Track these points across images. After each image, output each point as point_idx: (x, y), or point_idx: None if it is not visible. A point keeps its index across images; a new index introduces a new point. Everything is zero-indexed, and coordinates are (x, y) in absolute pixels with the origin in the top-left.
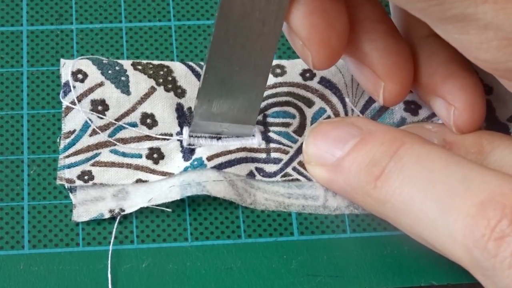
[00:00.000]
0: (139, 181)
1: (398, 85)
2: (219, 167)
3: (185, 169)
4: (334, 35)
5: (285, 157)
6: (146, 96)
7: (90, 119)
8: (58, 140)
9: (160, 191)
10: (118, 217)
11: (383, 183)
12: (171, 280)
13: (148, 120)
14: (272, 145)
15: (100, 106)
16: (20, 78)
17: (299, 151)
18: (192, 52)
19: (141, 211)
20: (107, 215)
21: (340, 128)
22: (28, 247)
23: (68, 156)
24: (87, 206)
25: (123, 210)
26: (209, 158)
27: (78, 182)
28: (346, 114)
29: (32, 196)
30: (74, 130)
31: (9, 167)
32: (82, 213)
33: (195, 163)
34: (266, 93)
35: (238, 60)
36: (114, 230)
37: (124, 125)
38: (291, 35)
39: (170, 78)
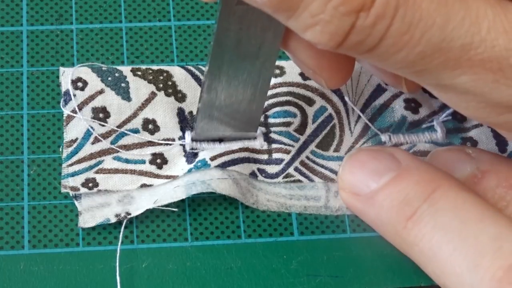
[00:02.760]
0: (143, 186)
1: None
2: (223, 166)
3: (189, 171)
4: (343, 57)
5: (287, 157)
6: (147, 101)
7: (91, 127)
8: (60, 149)
9: (165, 192)
10: (124, 221)
11: (414, 225)
12: (171, 280)
13: (150, 126)
14: (273, 145)
15: (101, 114)
16: (20, 78)
17: (300, 150)
18: (192, 52)
19: None
20: (113, 220)
21: (378, 159)
22: (28, 247)
23: (71, 165)
24: (93, 213)
25: (129, 214)
26: (212, 158)
27: (83, 190)
28: (347, 112)
29: (32, 196)
30: (76, 139)
31: (9, 167)
32: (88, 219)
33: (199, 164)
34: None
35: (236, 79)
36: (121, 234)
37: (126, 131)
38: (299, 64)
39: (170, 83)
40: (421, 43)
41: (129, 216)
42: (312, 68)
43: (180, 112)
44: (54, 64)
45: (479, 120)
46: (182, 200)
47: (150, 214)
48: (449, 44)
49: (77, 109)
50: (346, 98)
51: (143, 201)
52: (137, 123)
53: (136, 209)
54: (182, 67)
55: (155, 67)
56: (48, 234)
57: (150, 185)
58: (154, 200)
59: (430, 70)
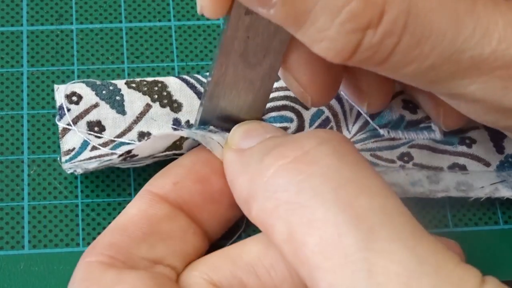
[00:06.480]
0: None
1: (381, 97)
2: None
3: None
4: (333, 78)
5: None
6: (142, 114)
7: (88, 138)
8: (58, 159)
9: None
10: (126, 151)
11: None
12: None
13: (146, 139)
14: None
15: (97, 127)
16: (20, 78)
17: None
18: (192, 52)
19: None
20: (117, 161)
21: None
22: (28, 247)
23: (72, 163)
24: (92, 164)
25: (130, 151)
26: None
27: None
28: (344, 114)
29: (32, 196)
30: (74, 148)
31: (9, 167)
32: (87, 166)
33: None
34: None
35: (238, 86)
36: None
37: (124, 140)
38: (289, 80)
39: (165, 93)
40: (431, 56)
41: (130, 154)
42: (303, 86)
43: (176, 123)
44: (54, 64)
45: (487, 124)
46: None
47: None
48: (459, 56)
49: (71, 122)
50: (342, 93)
51: (146, 145)
52: (132, 136)
53: (139, 150)
54: (177, 77)
55: (149, 79)
56: (48, 234)
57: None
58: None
59: (439, 80)
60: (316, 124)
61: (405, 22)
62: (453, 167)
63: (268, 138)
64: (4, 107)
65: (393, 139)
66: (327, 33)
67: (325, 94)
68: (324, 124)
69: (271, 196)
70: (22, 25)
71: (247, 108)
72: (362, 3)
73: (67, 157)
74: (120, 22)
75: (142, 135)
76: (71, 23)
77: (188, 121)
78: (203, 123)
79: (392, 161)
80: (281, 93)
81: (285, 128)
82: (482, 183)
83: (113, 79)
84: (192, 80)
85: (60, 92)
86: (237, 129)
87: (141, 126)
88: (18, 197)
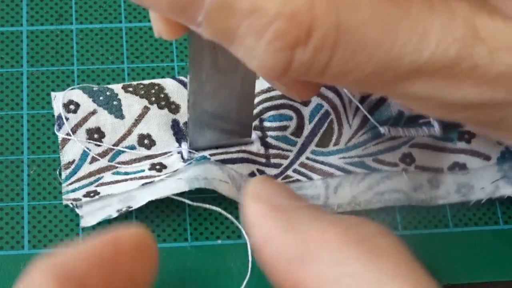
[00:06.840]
0: (145, 184)
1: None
2: (223, 162)
3: (189, 164)
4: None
5: (285, 162)
6: (140, 117)
7: (88, 148)
8: (57, 172)
9: (166, 186)
10: (125, 209)
11: None
12: (171, 280)
13: (146, 141)
14: (271, 151)
15: (96, 134)
16: (20, 78)
17: (299, 153)
18: None
19: (141, 211)
20: (115, 215)
21: None
22: (28, 247)
23: (71, 183)
24: (94, 213)
25: (131, 207)
26: (212, 155)
27: (85, 199)
28: (344, 107)
29: (32, 196)
30: (74, 160)
31: (9, 167)
32: (90, 220)
33: (198, 158)
34: (261, 98)
35: (219, 93)
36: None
37: (122, 149)
38: (273, 81)
39: (162, 95)
40: (369, 66)
41: (130, 209)
42: (285, 84)
43: (175, 124)
44: (54, 64)
45: (437, 118)
46: (182, 201)
47: (150, 214)
48: (398, 62)
49: (70, 132)
50: (341, 90)
51: (145, 195)
52: (132, 140)
53: (138, 203)
54: (174, 78)
55: (146, 82)
56: (48, 234)
57: (152, 181)
58: (156, 194)
59: (382, 85)
60: (316, 119)
61: (336, 37)
62: (453, 167)
63: (307, 206)
64: (4, 107)
65: (393, 138)
66: (255, 52)
67: (310, 87)
68: (324, 118)
69: (336, 265)
70: (22, 25)
71: (235, 111)
72: (286, 22)
73: (67, 171)
74: (120, 22)
75: (142, 138)
76: (71, 23)
77: (186, 123)
78: (194, 124)
79: (395, 164)
80: (279, 91)
81: (285, 127)
82: (483, 183)
83: (113, 79)
84: (187, 81)
85: (58, 101)
86: (256, 184)
87: (140, 129)
88: (18, 197)
